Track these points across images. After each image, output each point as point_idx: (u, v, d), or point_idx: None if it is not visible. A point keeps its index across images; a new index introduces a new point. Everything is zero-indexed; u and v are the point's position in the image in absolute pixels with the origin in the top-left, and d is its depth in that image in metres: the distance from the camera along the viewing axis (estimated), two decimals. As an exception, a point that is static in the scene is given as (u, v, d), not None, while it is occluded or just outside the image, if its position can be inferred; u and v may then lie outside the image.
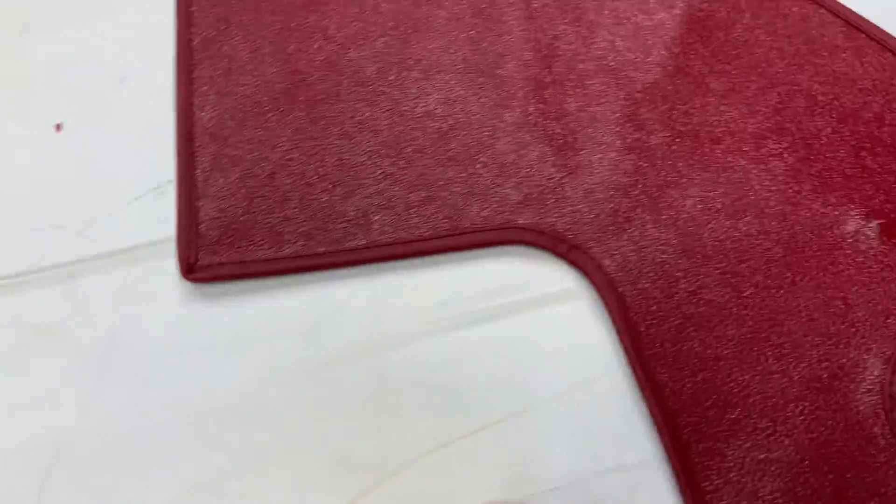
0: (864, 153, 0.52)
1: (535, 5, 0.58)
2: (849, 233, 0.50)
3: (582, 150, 0.53)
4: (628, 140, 0.53)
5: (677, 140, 0.53)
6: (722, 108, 0.54)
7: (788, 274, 0.48)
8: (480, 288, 0.50)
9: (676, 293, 0.48)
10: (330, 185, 0.52)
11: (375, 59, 0.56)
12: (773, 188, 0.51)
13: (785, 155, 0.52)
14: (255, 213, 0.51)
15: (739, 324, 0.47)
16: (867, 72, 0.55)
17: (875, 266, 0.49)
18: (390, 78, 0.55)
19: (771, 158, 0.52)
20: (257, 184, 0.52)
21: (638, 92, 0.55)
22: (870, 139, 0.53)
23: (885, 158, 0.52)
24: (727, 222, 0.50)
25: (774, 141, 0.53)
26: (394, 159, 0.52)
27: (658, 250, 0.50)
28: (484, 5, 0.58)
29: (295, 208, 0.51)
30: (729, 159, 0.52)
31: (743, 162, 0.52)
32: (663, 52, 0.56)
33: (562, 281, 0.50)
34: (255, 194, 0.51)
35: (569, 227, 0.50)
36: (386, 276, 0.50)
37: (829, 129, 0.53)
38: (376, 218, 0.51)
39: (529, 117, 0.54)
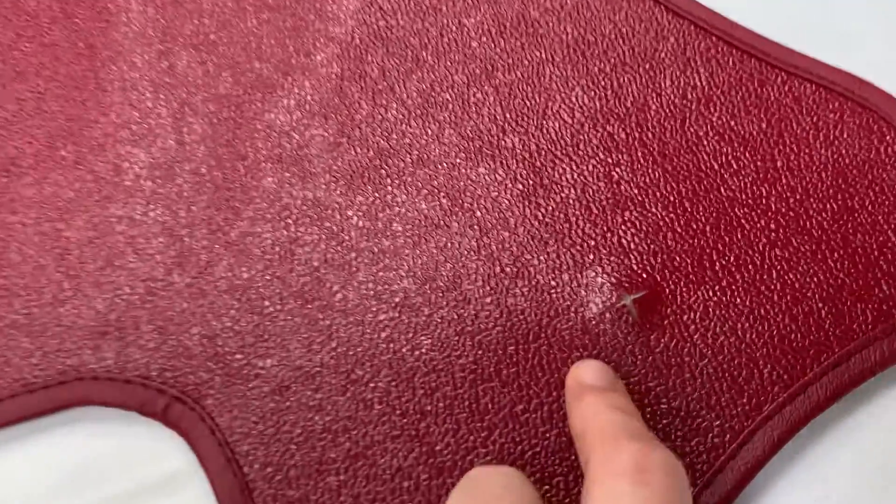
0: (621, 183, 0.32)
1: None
2: (594, 314, 0.30)
3: (196, 224, 0.33)
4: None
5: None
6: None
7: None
8: (44, 483, 0.30)
9: (336, 465, 0.29)
10: None
11: None
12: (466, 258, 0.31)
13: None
14: None
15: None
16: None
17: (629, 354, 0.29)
18: None
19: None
20: None
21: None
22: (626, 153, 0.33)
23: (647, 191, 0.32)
24: (418, 315, 0.30)
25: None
26: None
27: (309, 387, 0.30)
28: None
29: None
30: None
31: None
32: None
33: (170, 459, 0.30)
34: None
35: (169, 363, 0.31)
36: None
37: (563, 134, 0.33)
38: None
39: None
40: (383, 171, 0.34)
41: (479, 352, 0.30)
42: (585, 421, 0.26)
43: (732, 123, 0.34)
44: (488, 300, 0.31)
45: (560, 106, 0.35)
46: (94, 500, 0.30)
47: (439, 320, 0.31)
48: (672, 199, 0.32)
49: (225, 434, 0.29)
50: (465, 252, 0.32)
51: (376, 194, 0.33)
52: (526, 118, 0.35)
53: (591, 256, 0.31)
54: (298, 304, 0.31)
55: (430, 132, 0.35)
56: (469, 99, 0.35)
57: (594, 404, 0.26)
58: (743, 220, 0.32)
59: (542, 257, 0.32)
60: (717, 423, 0.29)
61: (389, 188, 0.33)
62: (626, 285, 0.31)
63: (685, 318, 0.30)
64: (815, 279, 0.30)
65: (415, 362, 0.30)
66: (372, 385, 0.30)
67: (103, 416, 0.31)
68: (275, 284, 0.32)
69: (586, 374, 0.28)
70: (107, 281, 0.32)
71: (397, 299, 0.31)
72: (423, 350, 0.30)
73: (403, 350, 0.30)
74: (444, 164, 0.34)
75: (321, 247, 0.32)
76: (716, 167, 0.33)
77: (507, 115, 0.35)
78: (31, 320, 0.32)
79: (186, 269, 0.32)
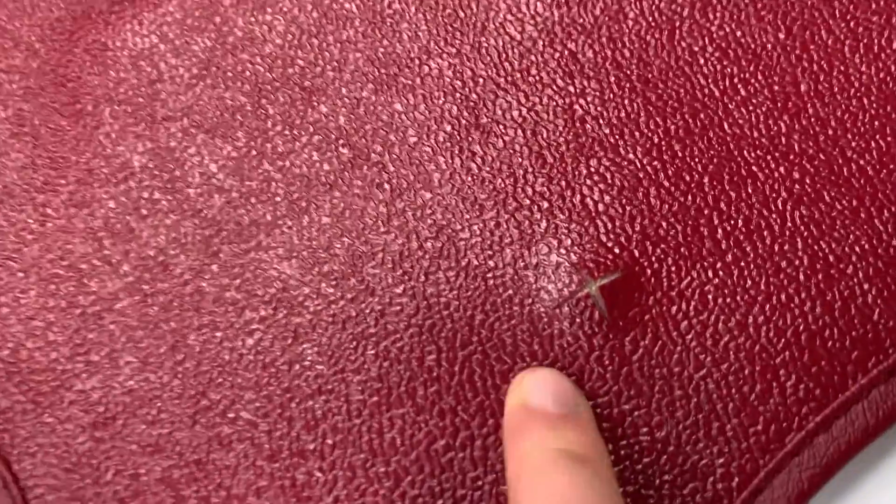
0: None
1: None
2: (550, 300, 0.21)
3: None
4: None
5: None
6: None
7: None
8: None
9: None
10: None
11: None
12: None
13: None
14: None
15: None
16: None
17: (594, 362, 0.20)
18: None
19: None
20: None
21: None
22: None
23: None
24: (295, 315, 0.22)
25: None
26: None
27: (144, 419, 0.21)
28: None
29: None
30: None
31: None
32: None
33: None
34: None
35: (-45, 390, 0.22)
36: None
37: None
38: None
39: None
40: (261, 112, 0.25)
41: (385, 364, 0.21)
42: (524, 471, 0.17)
43: (739, 34, 0.25)
44: (399, 290, 0.22)
45: (505, 16, 0.25)
46: None
47: (329, 320, 0.22)
48: (656, 140, 0.23)
49: (23, 489, 0.21)
50: (370, 223, 0.23)
51: (251, 144, 0.24)
52: (459, 35, 0.25)
53: (544, 225, 0.22)
54: (135, 301, 0.22)
55: (327, 56, 0.25)
56: (382, 10, 0.26)
57: (541, 444, 0.18)
58: (755, 168, 0.23)
59: (475, 227, 0.23)
60: (721, 461, 0.20)
61: (269, 134, 0.24)
62: (591, 265, 0.22)
63: (674, 310, 0.21)
64: (858, 248, 0.22)
65: (293, 381, 0.21)
66: (231, 415, 0.21)
67: None
68: (104, 273, 0.23)
69: (534, 391, 0.20)
70: None
71: (272, 290, 0.22)
72: (306, 363, 0.21)
73: (278, 363, 0.22)
74: (346, 100, 0.25)
75: (170, 218, 0.23)
76: (717, 94, 0.24)
77: (434, 32, 0.25)
78: None
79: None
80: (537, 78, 0.24)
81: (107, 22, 0.26)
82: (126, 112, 0.25)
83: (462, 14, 0.26)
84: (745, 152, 0.23)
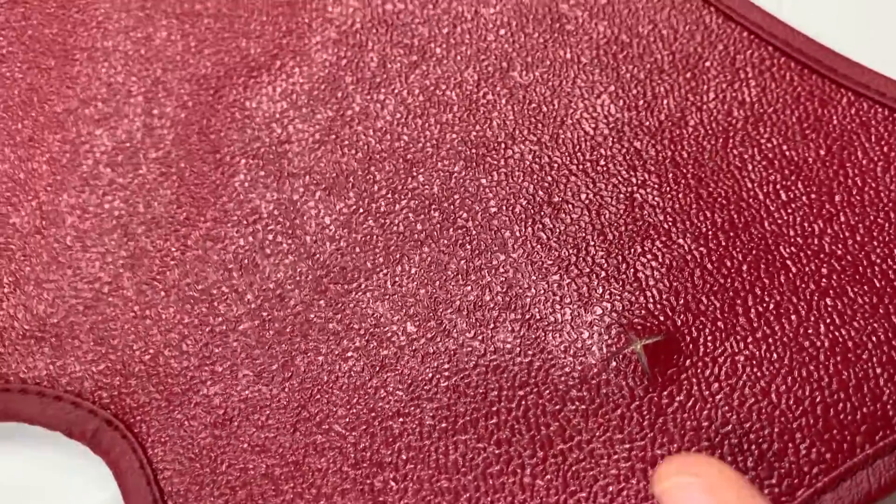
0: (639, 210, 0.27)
1: None
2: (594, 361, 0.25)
3: (157, 221, 0.29)
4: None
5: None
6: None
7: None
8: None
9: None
10: None
11: None
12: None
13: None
14: None
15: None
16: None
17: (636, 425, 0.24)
18: None
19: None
20: None
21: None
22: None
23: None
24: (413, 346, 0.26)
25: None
26: None
27: (255, 423, 0.26)
28: None
29: None
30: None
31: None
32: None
33: (93, 492, 0.26)
34: None
35: (106, 381, 0.27)
36: None
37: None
38: None
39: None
40: (370, 177, 0.29)
41: (454, 396, 0.25)
42: None
43: (785, 148, 0.28)
44: (470, 334, 0.26)
45: (582, 114, 0.30)
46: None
47: (410, 354, 0.26)
48: (704, 229, 0.27)
49: (155, 470, 0.25)
50: (451, 275, 0.27)
51: (360, 202, 0.29)
52: (541, 126, 0.30)
53: (600, 290, 0.26)
54: (254, 325, 0.27)
55: (428, 135, 0.30)
56: (478, 100, 0.31)
57: None
58: (788, 262, 0.26)
59: (541, 287, 0.27)
60: (738, 508, 0.23)
61: (375, 196, 0.29)
62: (639, 328, 0.25)
63: (707, 373, 0.25)
64: (874, 338, 0.25)
65: (377, 402, 0.26)
66: (325, 426, 0.25)
67: (27, 434, 0.27)
68: (231, 299, 0.28)
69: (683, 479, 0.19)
70: (49, 279, 0.29)
71: (366, 325, 0.27)
72: (389, 389, 0.26)
73: (366, 386, 0.26)
74: (440, 173, 0.29)
75: (289, 259, 0.28)
76: (760, 197, 0.27)
77: (519, 122, 0.30)
78: (-38, 319, 0.28)
79: (137, 273, 0.28)
80: (605, 168, 0.29)
81: (246, 85, 0.32)
82: (258, 165, 0.30)
83: (545, 109, 0.30)
84: (780, 248, 0.26)
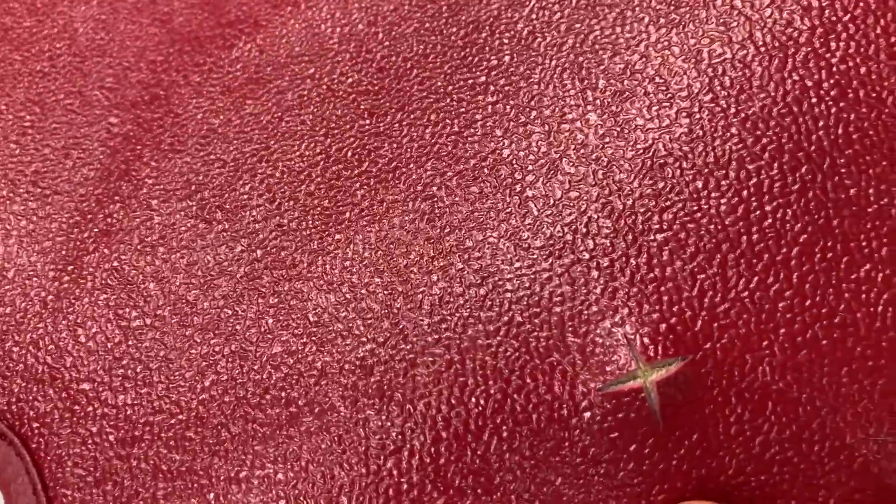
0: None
1: None
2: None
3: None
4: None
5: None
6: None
7: None
8: None
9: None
10: None
11: None
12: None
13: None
14: None
15: None
16: None
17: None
18: None
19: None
20: None
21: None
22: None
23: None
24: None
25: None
26: None
27: (170, 439, 0.21)
28: None
29: None
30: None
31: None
32: None
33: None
34: None
35: (4, 385, 0.23)
36: None
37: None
38: None
39: None
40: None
41: (409, 423, 0.20)
42: None
43: (863, 70, 0.21)
44: (432, 338, 0.20)
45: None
46: None
47: (356, 363, 0.21)
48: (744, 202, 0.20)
49: (50, 499, 0.21)
50: (414, 259, 0.21)
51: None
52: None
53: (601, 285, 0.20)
54: (176, 319, 0.22)
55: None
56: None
57: None
58: (853, 248, 0.19)
59: (524, 279, 0.20)
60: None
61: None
62: (648, 343, 0.19)
63: (727, 411, 0.18)
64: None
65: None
66: (243, 451, 0.20)
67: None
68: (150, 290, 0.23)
69: None
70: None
71: (304, 322, 0.21)
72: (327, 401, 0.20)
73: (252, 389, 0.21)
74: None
75: (223, 245, 0.23)
76: (824, 153, 0.20)
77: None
78: None
79: (49, 256, 0.24)
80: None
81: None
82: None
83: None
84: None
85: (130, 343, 0.22)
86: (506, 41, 0.23)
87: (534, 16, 0.23)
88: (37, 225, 0.24)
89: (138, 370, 0.22)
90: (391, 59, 0.23)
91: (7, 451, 0.22)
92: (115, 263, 0.23)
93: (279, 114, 0.23)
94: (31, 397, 0.22)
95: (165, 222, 0.23)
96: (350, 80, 0.23)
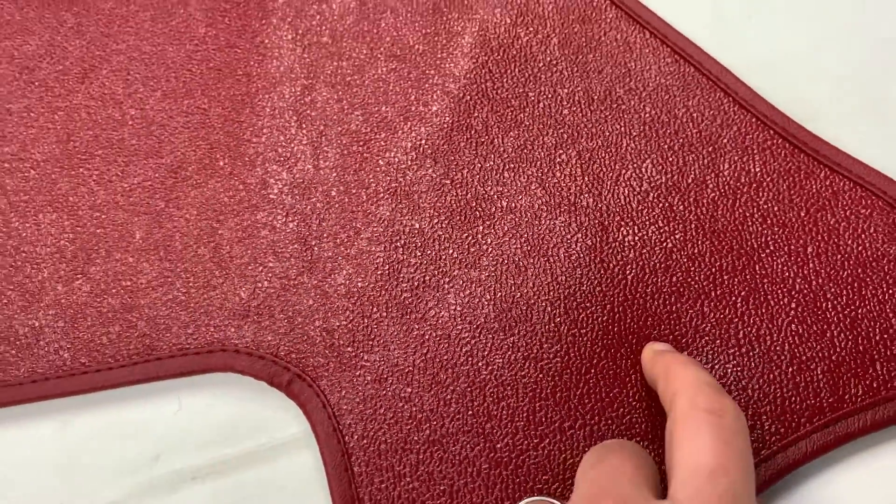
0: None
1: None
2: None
3: (325, 237, 0.41)
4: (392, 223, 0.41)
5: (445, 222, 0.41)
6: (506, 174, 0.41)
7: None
8: (194, 436, 0.39)
9: (417, 446, 0.37)
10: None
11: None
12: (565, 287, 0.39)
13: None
14: None
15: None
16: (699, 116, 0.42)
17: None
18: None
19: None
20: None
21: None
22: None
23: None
24: (495, 338, 0.38)
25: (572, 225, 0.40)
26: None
27: (402, 382, 0.38)
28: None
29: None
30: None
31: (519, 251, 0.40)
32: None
33: (289, 424, 0.39)
34: None
35: (295, 347, 0.39)
36: (80, 415, 0.40)
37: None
38: (48, 338, 0.40)
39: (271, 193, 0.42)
40: (477, 213, 0.41)
41: (540, 374, 0.38)
42: (670, 368, 0.33)
43: (776, 209, 0.40)
44: (552, 333, 0.38)
45: (631, 174, 0.42)
46: (236, 452, 0.38)
47: (510, 344, 0.38)
48: (713, 271, 0.39)
49: (333, 409, 0.38)
50: (538, 292, 0.39)
51: (470, 232, 0.41)
52: (601, 182, 0.42)
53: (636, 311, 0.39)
54: (399, 314, 0.39)
55: (519, 183, 0.42)
56: (555, 159, 0.42)
57: (676, 359, 0.34)
58: (769, 297, 0.38)
59: (597, 306, 0.39)
60: None
61: (481, 228, 0.41)
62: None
63: (708, 372, 0.37)
64: (821, 354, 0.37)
65: (487, 375, 0.38)
66: (451, 388, 0.38)
67: (240, 382, 0.39)
68: (383, 296, 0.40)
69: (661, 346, 0.36)
70: (250, 274, 0.41)
71: (479, 322, 0.39)
72: (496, 366, 0.38)
73: (479, 364, 0.38)
74: (528, 213, 0.41)
75: (421, 269, 0.40)
76: (755, 246, 0.39)
77: (586, 178, 0.42)
78: (188, 298, 0.40)
79: (314, 273, 0.40)
80: (647, 218, 0.41)
81: (386, 139, 0.43)
82: (397, 199, 0.42)
83: (605, 169, 0.42)
84: (765, 286, 0.39)
85: (374, 326, 0.39)
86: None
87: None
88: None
89: (380, 341, 0.39)
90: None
91: (302, 385, 0.38)
92: (355, 279, 0.40)
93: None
94: (313, 355, 0.39)
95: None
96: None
